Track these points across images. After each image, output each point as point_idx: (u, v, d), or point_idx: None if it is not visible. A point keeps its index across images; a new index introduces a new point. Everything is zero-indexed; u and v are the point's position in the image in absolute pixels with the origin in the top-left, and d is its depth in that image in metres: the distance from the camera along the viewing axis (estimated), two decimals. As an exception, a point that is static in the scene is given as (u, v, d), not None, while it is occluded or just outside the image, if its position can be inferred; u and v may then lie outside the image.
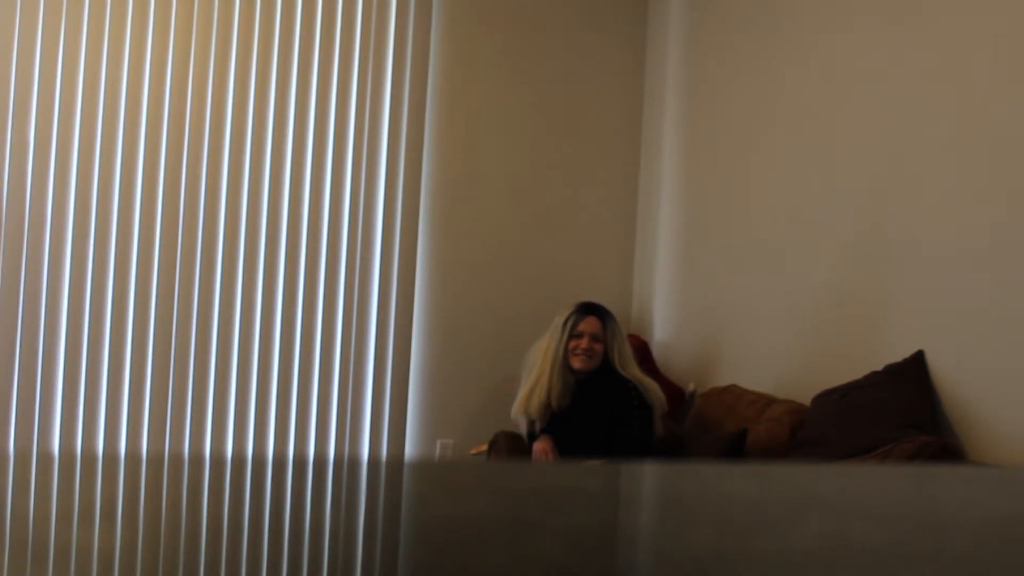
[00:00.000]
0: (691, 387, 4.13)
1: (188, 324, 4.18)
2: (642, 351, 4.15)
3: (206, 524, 0.65)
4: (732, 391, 3.72)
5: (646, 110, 4.70)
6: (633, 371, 3.57)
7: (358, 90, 4.35)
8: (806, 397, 3.34)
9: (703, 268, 4.26)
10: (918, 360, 3.04)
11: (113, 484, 0.77)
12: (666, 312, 4.48)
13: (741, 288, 3.98)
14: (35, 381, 4.03)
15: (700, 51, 4.39)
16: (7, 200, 4.01)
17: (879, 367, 3.11)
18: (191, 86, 4.17)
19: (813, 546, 0.63)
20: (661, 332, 4.48)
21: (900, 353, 3.08)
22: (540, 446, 3.53)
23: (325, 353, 4.32)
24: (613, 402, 3.50)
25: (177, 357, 4.17)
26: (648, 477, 0.94)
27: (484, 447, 3.95)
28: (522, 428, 3.69)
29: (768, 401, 3.51)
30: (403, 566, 0.58)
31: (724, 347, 4.08)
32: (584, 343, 3.56)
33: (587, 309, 3.63)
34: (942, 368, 2.99)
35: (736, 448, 3.34)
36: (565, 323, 3.60)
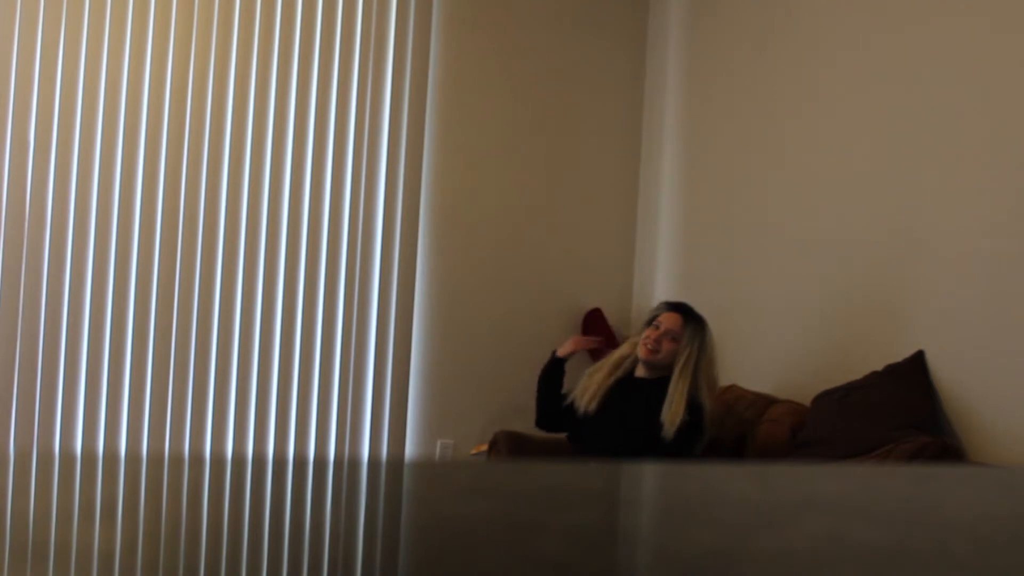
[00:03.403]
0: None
1: (188, 324, 4.18)
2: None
3: (206, 524, 0.65)
4: (732, 391, 3.72)
5: (646, 110, 4.70)
6: (681, 387, 3.30)
7: (358, 91, 4.35)
8: (806, 397, 3.34)
9: (703, 268, 4.26)
10: (918, 360, 3.04)
11: (113, 484, 0.77)
12: (666, 312, 4.47)
13: (741, 288, 3.98)
14: (35, 381, 4.03)
15: (701, 52, 4.39)
16: (7, 200, 4.01)
17: (879, 367, 3.11)
18: (191, 86, 4.17)
19: (813, 546, 0.63)
20: (661, 332, 4.47)
21: (900, 353, 3.08)
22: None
23: (325, 353, 4.32)
24: (634, 405, 3.41)
25: (177, 357, 4.17)
26: (648, 477, 0.94)
27: (484, 447, 3.95)
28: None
29: (768, 401, 3.51)
30: (403, 566, 0.58)
31: (724, 347, 4.07)
32: (655, 334, 3.39)
33: (674, 307, 3.47)
34: (942, 368, 2.99)
35: (736, 448, 3.33)
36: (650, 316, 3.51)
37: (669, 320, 3.39)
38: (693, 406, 3.29)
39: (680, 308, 3.45)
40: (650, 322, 3.45)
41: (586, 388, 3.45)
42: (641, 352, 3.39)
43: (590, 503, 0.77)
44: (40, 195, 4.04)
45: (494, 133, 4.57)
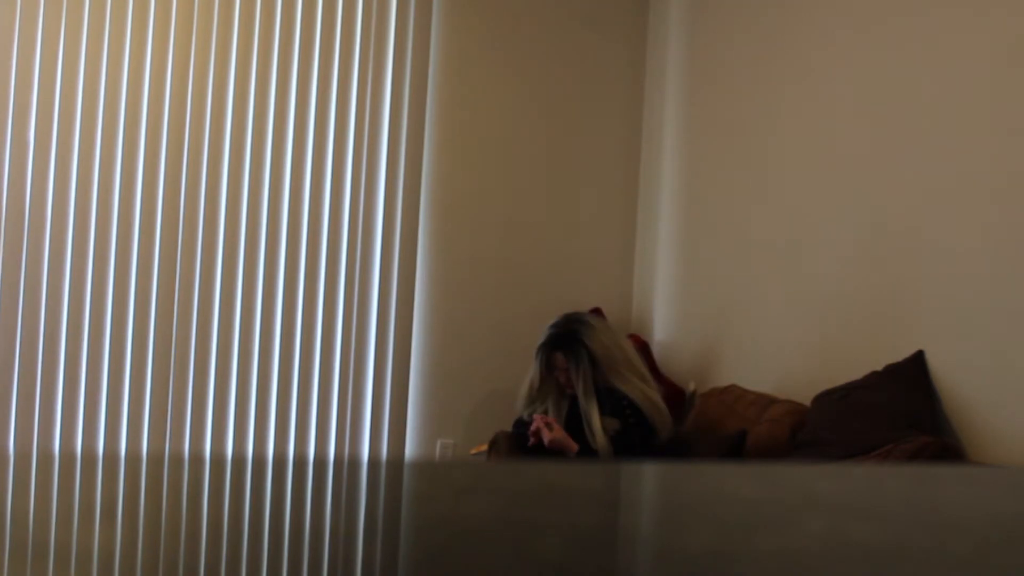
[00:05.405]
0: (691, 387, 4.13)
1: (188, 324, 4.18)
2: (642, 351, 4.15)
3: (206, 524, 0.65)
4: (732, 391, 3.72)
5: (646, 110, 4.70)
6: (590, 410, 3.51)
7: (358, 90, 4.35)
8: (806, 397, 3.34)
9: (703, 268, 4.26)
10: (918, 360, 3.04)
11: (113, 484, 0.77)
12: (666, 312, 4.48)
13: (741, 288, 3.98)
14: (35, 381, 4.03)
15: (701, 50, 4.39)
16: (7, 200, 4.01)
17: (879, 367, 3.11)
18: (191, 86, 4.18)
19: (813, 546, 0.63)
20: (661, 332, 4.48)
21: (900, 353, 3.08)
22: (540, 416, 3.54)
23: (325, 353, 4.32)
24: (582, 434, 3.52)
25: (177, 357, 4.17)
26: (648, 477, 0.94)
27: (484, 447, 3.95)
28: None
29: (768, 401, 3.51)
30: (403, 566, 0.58)
31: (724, 347, 4.07)
32: (562, 375, 3.61)
33: (551, 343, 3.62)
34: (942, 368, 2.99)
35: (736, 448, 3.34)
36: (537, 354, 3.65)
37: (555, 360, 3.60)
38: (618, 411, 3.49)
39: (554, 342, 3.60)
40: (547, 365, 3.61)
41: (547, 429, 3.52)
42: (569, 390, 3.62)
43: (590, 503, 0.77)
44: (40, 195, 4.04)
45: (494, 133, 4.57)
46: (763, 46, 3.96)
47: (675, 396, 4.03)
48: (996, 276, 2.85)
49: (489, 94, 4.56)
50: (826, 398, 3.20)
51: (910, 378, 3.02)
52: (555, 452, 3.50)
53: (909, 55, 3.23)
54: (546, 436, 3.45)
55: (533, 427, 3.49)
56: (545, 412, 3.62)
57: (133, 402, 4.13)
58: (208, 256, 4.21)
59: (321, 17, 4.31)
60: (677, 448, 3.59)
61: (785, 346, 3.72)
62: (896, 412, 2.94)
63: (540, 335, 3.68)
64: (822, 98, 3.62)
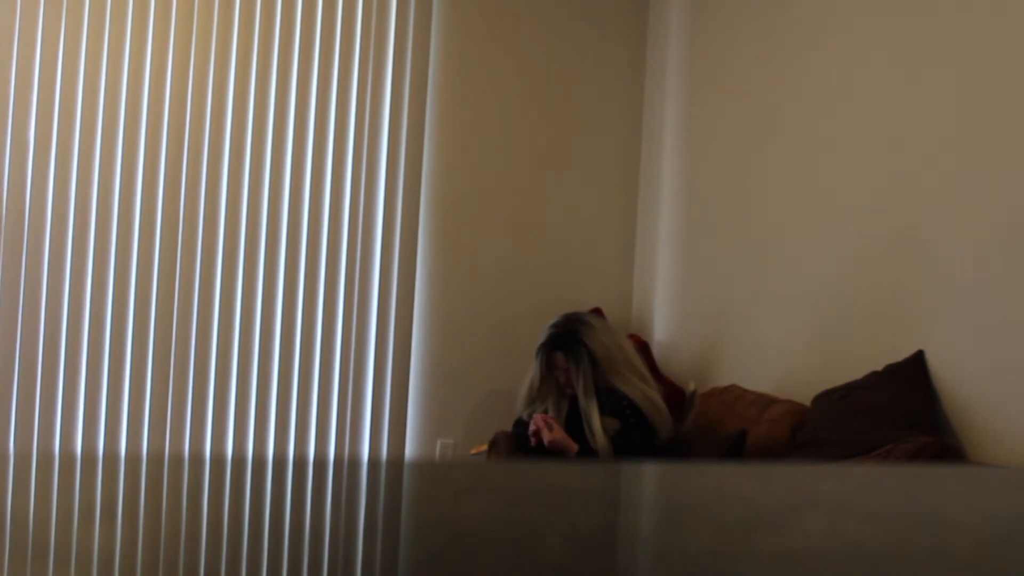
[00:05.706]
0: (691, 387, 4.13)
1: (188, 324, 4.18)
2: (642, 351, 4.15)
3: (206, 524, 0.65)
4: (732, 391, 3.72)
5: (646, 110, 4.70)
6: (590, 410, 3.51)
7: (358, 90, 4.35)
8: (806, 397, 3.34)
9: (703, 268, 4.26)
10: (918, 360, 3.04)
11: (113, 484, 0.77)
12: (666, 312, 4.48)
13: (741, 288, 3.98)
14: (35, 381, 4.03)
15: (701, 50, 4.39)
16: (7, 200, 4.01)
17: (879, 367, 3.11)
18: (191, 86, 4.18)
19: (813, 546, 0.63)
20: (661, 332, 4.48)
21: (900, 353, 3.08)
22: (540, 416, 3.54)
23: (325, 353, 4.32)
24: (582, 434, 3.52)
25: (177, 357, 4.17)
26: (648, 477, 0.94)
27: (484, 447, 3.95)
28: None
29: (768, 401, 3.51)
30: (403, 566, 0.58)
31: (724, 347, 4.07)
32: (562, 375, 3.61)
33: (551, 343, 3.62)
34: (942, 368, 2.99)
35: (736, 448, 3.34)
36: (537, 354, 3.64)
37: (556, 360, 3.61)
38: (618, 411, 3.49)
39: (555, 342, 3.60)
40: (547, 365, 3.61)
41: (547, 428, 3.52)
42: (569, 390, 3.62)
43: (590, 503, 0.77)
44: (40, 195, 4.04)
45: (494, 133, 4.57)
46: (763, 46, 3.96)
47: (675, 396, 4.03)
48: (996, 276, 2.85)
49: (489, 94, 4.56)
50: (826, 398, 3.20)
51: (910, 378, 3.02)
52: (555, 452, 3.49)
53: (909, 55, 3.23)
54: (546, 436, 3.45)
55: (533, 427, 3.49)
56: (545, 412, 3.62)
57: (133, 402, 4.13)
58: (208, 256, 4.20)
59: (321, 17, 4.31)
60: (677, 448, 3.59)
61: (785, 346, 3.72)
62: (896, 412, 2.94)
63: (540, 335, 3.68)
64: (822, 98, 3.62)
